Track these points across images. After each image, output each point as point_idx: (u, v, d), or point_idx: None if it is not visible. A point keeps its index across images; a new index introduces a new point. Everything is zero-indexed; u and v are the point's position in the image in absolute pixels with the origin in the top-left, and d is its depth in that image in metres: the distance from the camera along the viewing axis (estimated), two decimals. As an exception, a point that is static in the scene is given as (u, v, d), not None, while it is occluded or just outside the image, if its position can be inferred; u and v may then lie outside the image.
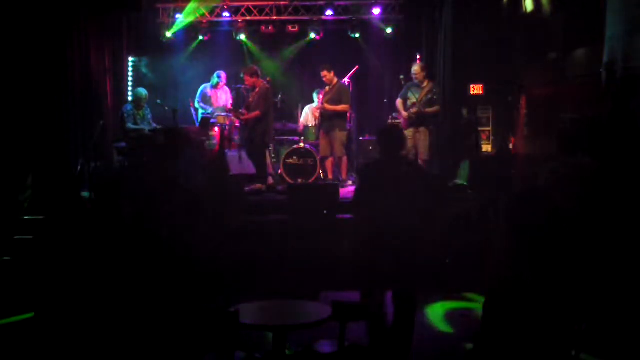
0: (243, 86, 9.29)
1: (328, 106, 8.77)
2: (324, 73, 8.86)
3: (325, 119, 8.89)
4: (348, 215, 7.37)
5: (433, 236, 4.59)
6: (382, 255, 4.23)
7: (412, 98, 8.42)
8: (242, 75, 8.95)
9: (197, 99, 9.67)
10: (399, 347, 4.30)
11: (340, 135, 8.81)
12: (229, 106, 9.58)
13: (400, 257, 4.21)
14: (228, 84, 9.91)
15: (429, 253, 4.61)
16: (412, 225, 4.27)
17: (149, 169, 6.29)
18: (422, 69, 8.57)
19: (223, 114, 9.39)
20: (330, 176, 9.00)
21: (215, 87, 9.65)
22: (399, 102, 8.67)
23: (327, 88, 8.96)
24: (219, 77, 9.63)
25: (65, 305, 5.70)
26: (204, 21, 10.84)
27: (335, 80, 8.96)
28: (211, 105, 9.60)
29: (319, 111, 9.08)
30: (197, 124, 9.37)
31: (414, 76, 8.55)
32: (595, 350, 4.57)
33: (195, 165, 7.46)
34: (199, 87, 9.83)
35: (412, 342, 4.38)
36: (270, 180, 8.76)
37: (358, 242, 4.59)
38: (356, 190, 4.90)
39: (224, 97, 9.72)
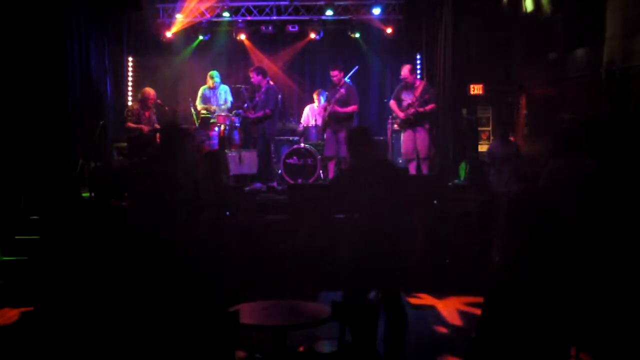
0: (245, 86, 9.26)
1: (339, 108, 8.76)
2: (335, 72, 8.85)
3: (333, 119, 8.88)
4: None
5: (411, 234, 4.60)
6: (371, 256, 4.27)
7: (407, 99, 8.48)
8: (250, 74, 8.93)
9: (198, 101, 9.60)
10: (390, 350, 4.27)
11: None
12: (227, 105, 9.55)
13: (386, 257, 4.26)
14: (228, 84, 9.87)
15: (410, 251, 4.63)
16: (394, 224, 4.32)
17: (151, 168, 6.29)
18: (411, 71, 8.63)
19: (223, 114, 9.39)
20: (330, 176, 9.01)
21: (211, 87, 9.60)
22: (393, 103, 8.72)
23: (340, 90, 8.91)
24: (212, 77, 9.58)
25: (65, 304, 5.71)
26: (204, 21, 10.84)
27: (343, 81, 8.96)
28: (210, 105, 9.55)
29: (325, 112, 9.03)
30: (197, 124, 9.35)
31: (404, 79, 8.60)
32: (595, 350, 4.58)
33: (194, 163, 7.47)
34: (199, 87, 9.79)
35: (403, 344, 4.36)
36: (275, 184, 8.75)
37: (350, 244, 4.60)
38: (336, 198, 4.89)
39: (222, 97, 9.67)
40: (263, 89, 8.62)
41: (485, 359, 2.60)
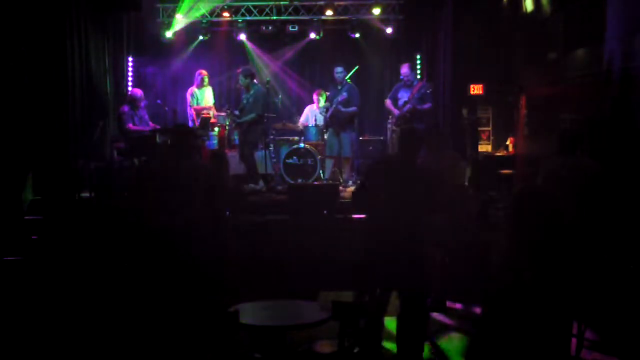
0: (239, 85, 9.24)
1: (343, 109, 8.80)
2: (340, 68, 8.90)
3: (336, 119, 8.90)
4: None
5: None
6: (389, 254, 4.18)
7: (404, 97, 8.52)
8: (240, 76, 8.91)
9: (188, 103, 9.53)
10: (405, 349, 4.24)
11: (350, 136, 8.89)
12: (211, 104, 9.51)
13: (407, 257, 4.17)
14: (228, 84, 9.87)
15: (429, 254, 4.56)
16: (418, 225, 4.24)
17: (156, 168, 6.30)
18: (411, 69, 8.66)
19: (223, 114, 9.38)
20: (331, 176, 9.08)
21: (199, 86, 9.52)
22: (388, 102, 8.76)
23: (342, 92, 8.90)
24: (200, 75, 9.50)
25: (65, 303, 5.70)
26: (204, 21, 10.84)
27: (345, 81, 9.01)
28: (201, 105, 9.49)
29: (328, 111, 9.04)
30: (194, 125, 9.30)
31: (404, 77, 8.62)
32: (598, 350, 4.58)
33: (197, 164, 7.46)
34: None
35: (421, 345, 4.31)
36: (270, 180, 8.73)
37: (366, 240, 4.51)
38: (362, 186, 4.80)
39: (210, 98, 9.57)
40: (251, 92, 8.60)
41: (486, 359, 2.60)
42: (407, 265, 4.14)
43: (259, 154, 8.99)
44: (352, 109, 8.87)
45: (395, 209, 4.21)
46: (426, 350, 4.41)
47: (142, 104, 8.95)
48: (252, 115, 8.48)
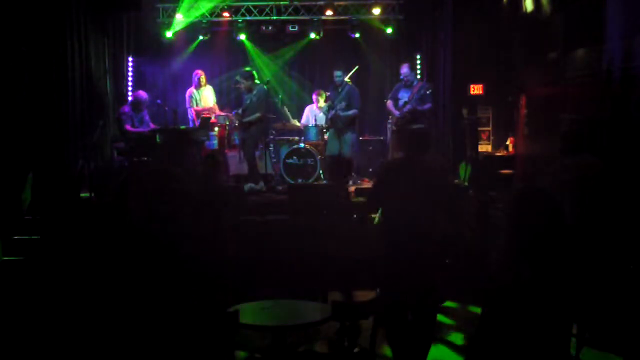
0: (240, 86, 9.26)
1: (342, 114, 8.80)
2: (339, 72, 8.89)
3: (337, 121, 8.91)
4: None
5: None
6: (399, 255, 4.15)
7: (404, 97, 8.52)
8: (238, 79, 8.91)
9: (188, 104, 9.57)
10: (415, 349, 4.22)
11: (351, 138, 8.89)
12: (212, 105, 9.53)
13: (420, 259, 4.14)
14: (228, 84, 9.88)
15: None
16: (428, 228, 4.21)
17: (154, 169, 6.30)
18: (411, 69, 8.67)
19: (223, 113, 9.38)
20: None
21: (197, 87, 9.56)
22: (389, 103, 8.75)
23: (341, 94, 8.90)
24: (197, 76, 9.54)
25: (65, 303, 5.70)
26: (204, 21, 10.85)
27: (346, 83, 8.99)
28: (200, 105, 9.52)
29: (330, 111, 9.05)
30: (194, 125, 9.31)
31: (405, 77, 8.62)
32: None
33: (196, 165, 7.48)
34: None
35: (429, 344, 4.30)
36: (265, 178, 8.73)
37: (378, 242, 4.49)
38: (374, 187, 4.80)
39: (210, 97, 9.64)
40: (254, 92, 8.62)
41: (486, 358, 2.60)
42: (419, 265, 4.13)
43: (257, 154, 8.99)
44: (353, 111, 8.89)
45: (401, 209, 4.21)
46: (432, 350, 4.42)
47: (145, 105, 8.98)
48: (257, 114, 8.50)
